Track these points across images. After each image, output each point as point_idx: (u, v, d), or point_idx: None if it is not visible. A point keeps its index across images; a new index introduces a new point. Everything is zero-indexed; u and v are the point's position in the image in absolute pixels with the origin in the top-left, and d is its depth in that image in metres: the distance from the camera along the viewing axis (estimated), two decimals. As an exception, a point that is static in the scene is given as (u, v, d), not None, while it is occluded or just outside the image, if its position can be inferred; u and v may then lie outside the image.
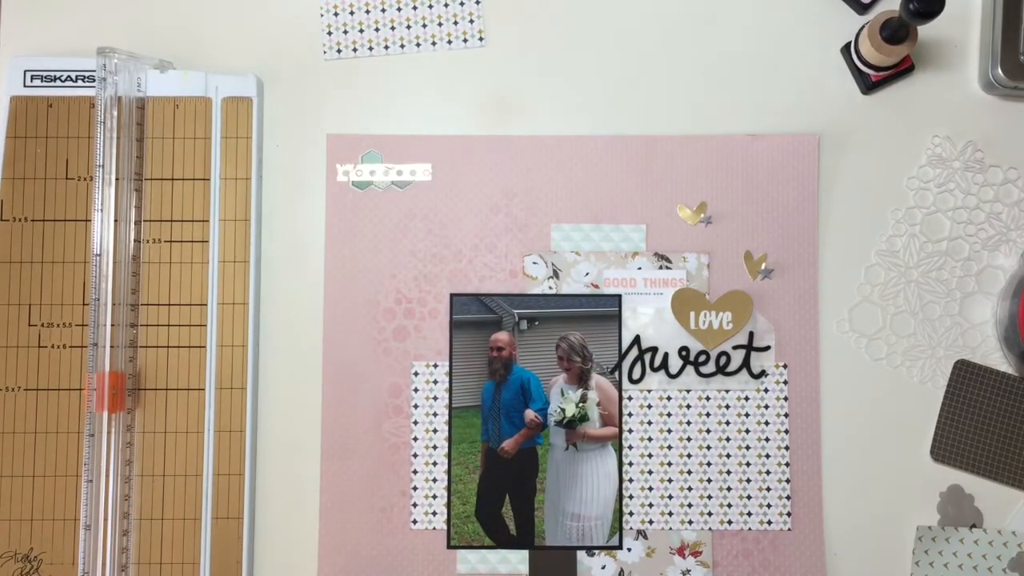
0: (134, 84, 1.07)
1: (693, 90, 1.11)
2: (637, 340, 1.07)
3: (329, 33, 1.11)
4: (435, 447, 1.07)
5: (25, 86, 1.08)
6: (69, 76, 1.08)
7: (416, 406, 1.07)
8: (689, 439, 1.06)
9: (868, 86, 1.09)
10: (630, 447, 1.06)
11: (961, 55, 1.11)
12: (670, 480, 1.06)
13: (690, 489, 1.06)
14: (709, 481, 1.06)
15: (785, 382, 1.07)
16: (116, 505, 1.02)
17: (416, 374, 1.08)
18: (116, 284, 1.04)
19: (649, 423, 1.06)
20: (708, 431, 1.06)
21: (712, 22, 1.12)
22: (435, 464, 1.06)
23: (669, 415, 1.06)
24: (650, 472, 1.06)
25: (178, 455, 1.04)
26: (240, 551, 1.04)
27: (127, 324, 1.05)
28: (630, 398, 1.06)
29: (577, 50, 1.12)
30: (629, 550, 1.05)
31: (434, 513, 1.06)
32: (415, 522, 1.06)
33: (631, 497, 1.06)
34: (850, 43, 1.09)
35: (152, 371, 1.05)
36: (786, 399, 1.06)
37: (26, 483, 1.03)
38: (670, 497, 1.06)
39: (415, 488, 1.06)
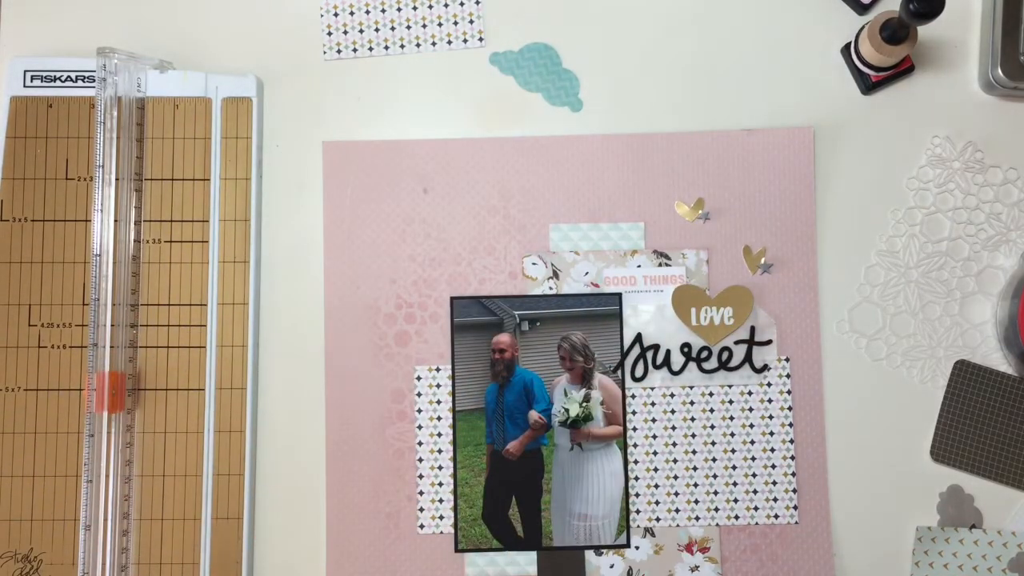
0: (134, 84, 1.07)
1: (692, 92, 1.11)
2: (639, 338, 1.07)
3: (329, 33, 1.11)
4: (440, 451, 1.06)
5: (25, 86, 1.08)
6: (69, 76, 1.08)
7: (420, 411, 1.07)
8: (694, 435, 1.06)
9: (868, 86, 1.10)
10: (635, 445, 1.06)
11: (961, 55, 1.11)
12: (676, 477, 1.06)
13: (696, 485, 1.06)
14: (715, 477, 1.06)
15: (788, 375, 1.07)
16: (116, 505, 1.02)
17: (419, 379, 1.07)
18: (116, 284, 1.04)
19: (653, 420, 1.06)
20: (712, 427, 1.06)
21: (711, 23, 1.12)
22: (440, 468, 1.06)
23: (673, 412, 1.06)
24: (656, 469, 1.06)
25: (178, 455, 1.04)
26: (240, 551, 1.03)
27: (127, 324, 1.04)
28: (633, 396, 1.06)
29: (576, 49, 1.12)
30: (637, 548, 1.05)
31: (441, 517, 1.06)
32: (422, 527, 1.06)
33: (637, 495, 1.05)
34: (850, 43, 1.10)
35: (152, 371, 1.05)
36: (789, 392, 1.06)
37: (26, 483, 1.03)
38: (676, 494, 1.05)
39: (421, 493, 1.06)
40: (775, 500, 1.05)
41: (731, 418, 1.06)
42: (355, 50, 1.12)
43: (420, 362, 1.08)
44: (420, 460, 1.06)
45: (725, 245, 1.08)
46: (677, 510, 1.05)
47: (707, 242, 1.08)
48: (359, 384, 1.07)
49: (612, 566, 1.04)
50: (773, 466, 1.06)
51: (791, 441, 1.06)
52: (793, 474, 1.06)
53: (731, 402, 1.06)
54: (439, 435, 1.07)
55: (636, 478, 1.05)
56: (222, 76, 1.09)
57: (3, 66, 1.09)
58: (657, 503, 1.05)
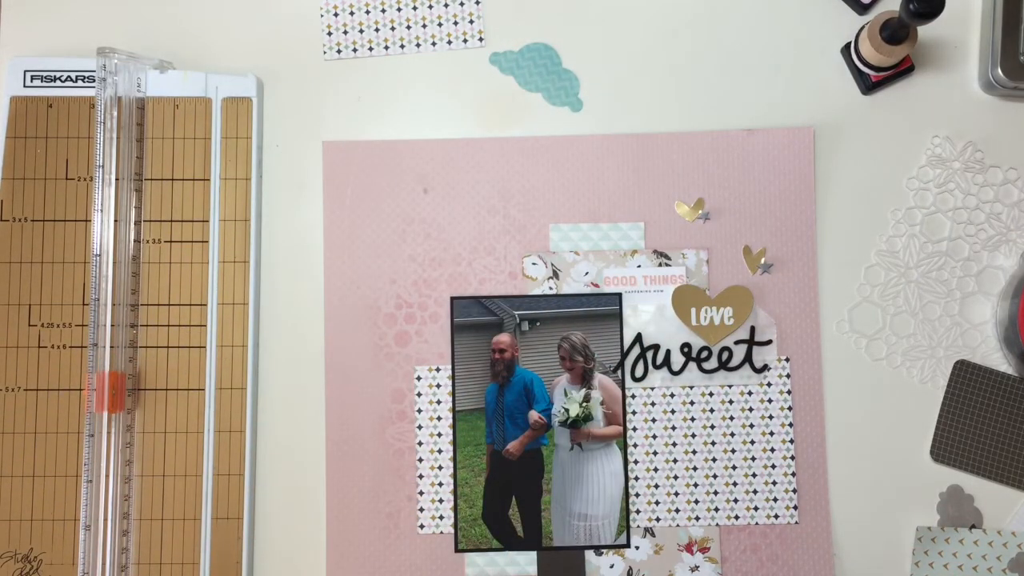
0: (134, 84, 1.07)
1: (692, 92, 1.11)
2: (639, 338, 1.07)
3: (329, 33, 1.11)
4: (440, 451, 1.06)
5: (25, 86, 1.08)
6: (69, 76, 1.08)
7: (420, 411, 1.07)
8: (694, 435, 1.06)
9: (868, 86, 1.10)
10: (635, 445, 1.06)
11: (961, 55, 1.11)
12: (676, 477, 1.06)
13: (696, 485, 1.06)
14: (715, 477, 1.06)
15: (788, 375, 1.07)
16: (116, 505, 1.02)
17: (419, 379, 1.07)
18: (116, 284, 1.04)
19: (653, 420, 1.06)
20: (712, 427, 1.06)
21: (711, 23, 1.12)
22: (440, 468, 1.06)
23: (673, 412, 1.06)
24: (656, 469, 1.06)
25: (178, 455, 1.04)
26: (240, 551, 1.03)
27: (127, 324, 1.04)
28: (633, 396, 1.06)
29: (576, 49, 1.12)
30: (637, 548, 1.05)
31: (441, 517, 1.06)
32: (422, 527, 1.06)
33: (637, 495, 1.05)
34: (850, 43, 1.10)
35: (152, 371, 1.05)
36: (789, 392, 1.07)
37: (26, 483, 1.03)
38: (676, 494, 1.06)
39: (421, 493, 1.06)
40: (775, 500, 1.05)
41: (731, 418, 1.06)
42: (355, 50, 1.12)
43: (420, 362, 1.08)
44: (420, 460, 1.06)
45: (725, 245, 1.08)
46: (677, 510, 1.05)
47: (707, 242, 1.08)
48: (359, 384, 1.07)
49: (612, 566, 1.04)
50: (773, 466, 1.06)
51: (791, 441, 1.06)
52: (793, 474, 1.06)
53: (731, 402, 1.06)
54: (439, 435, 1.07)
55: (636, 478, 1.05)
56: (222, 76, 1.09)
57: (3, 66, 1.09)
58: (657, 503, 1.05)
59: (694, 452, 1.06)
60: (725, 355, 1.07)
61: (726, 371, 1.06)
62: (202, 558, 1.03)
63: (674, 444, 1.06)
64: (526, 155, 1.10)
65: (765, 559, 1.05)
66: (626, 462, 1.06)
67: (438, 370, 1.07)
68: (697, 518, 1.05)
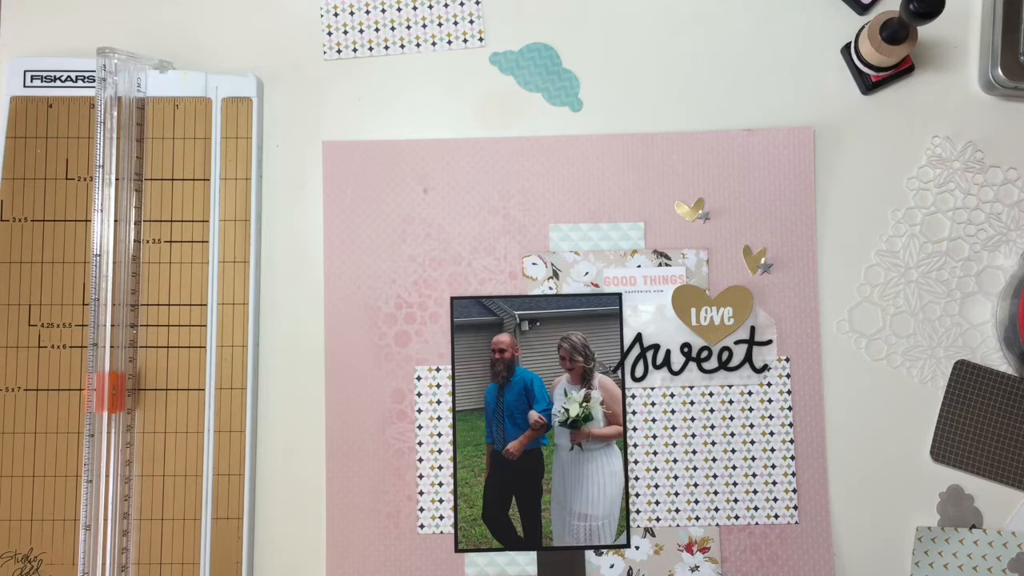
0: (134, 84, 1.07)
1: (692, 92, 1.11)
2: (639, 338, 1.07)
3: (329, 33, 1.11)
4: (440, 451, 1.06)
5: (25, 86, 1.08)
6: (69, 76, 1.08)
7: (420, 411, 1.07)
8: (694, 435, 1.06)
9: (868, 86, 1.10)
10: (635, 445, 1.06)
11: (961, 55, 1.11)
12: (676, 477, 1.06)
13: (696, 485, 1.06)
14: (715, 477, 1.06)
15: (788, 375, 1.07)
16: (116, 505, 1.02)
17: (419, 379, 1.07)
18: (116, 284, 1.04)
19: (653, 421, 1.06)
20: (712, 427, 1.06)
21: (711, 23, 1.12)
22: (440, 468, 1.06)
23: (673, 412, 1.06)
24: (656, 470, 1.06)
25: (178, 455, 1.04)
26: (240, 551, 1.03)
27: (127, 324, 1.04)
28: (633, 396, 1.06)
29: (576, 49, 1.12)
30: (637, 548, 1.05)
31: (441, 517, 1.06)
32: (422, 527, 1.06)
33: (637, 495, 1.05)
34: (850, 43, 1.09)
35: (152, 371, 1.05)
36: (789, 392, 1.07)
37: (26, 483, 1.03)
38: (676, 494, 1.05)
39: (421, 493, 1.06)
40: (775, 500, 1.05)
41: (731, 418, 1.06)
42: (355, 50, 1.12)
43: (420, 362, 1.08)
44: (420, 460, 1.06)
45: (725, 245, 1.08)
46: (677, 510, 1.05)
47: (707, 242, 1.08)
48: (359, 384, 1.07)
49: (612, 566, 1.04)
50: (773, 466, 1.06)
51: (791, 441, 1.06)
52: (793, 474, 1.06)
53: (731, 402, 1.06)
54: (439, 435, 1.06)
55: (636, 478, 1.05)
56: (222, 76, 1.09)
57: (3, 66, 1.09)
58: (657, 503, 1.05)
59: (694, 452, 1.06)
60: (725, 355, 1.07)
61: (726, 371, 1.06)
62: (202, 558, 1.03)
63: (674, 444, 1.06)
64: (526, 155, 1.09)
65: (765, 559, 1.05)
66: (626, 462, 1.06)
67: (438, 370, 1.07)
68: (697, 518, 1.05)
